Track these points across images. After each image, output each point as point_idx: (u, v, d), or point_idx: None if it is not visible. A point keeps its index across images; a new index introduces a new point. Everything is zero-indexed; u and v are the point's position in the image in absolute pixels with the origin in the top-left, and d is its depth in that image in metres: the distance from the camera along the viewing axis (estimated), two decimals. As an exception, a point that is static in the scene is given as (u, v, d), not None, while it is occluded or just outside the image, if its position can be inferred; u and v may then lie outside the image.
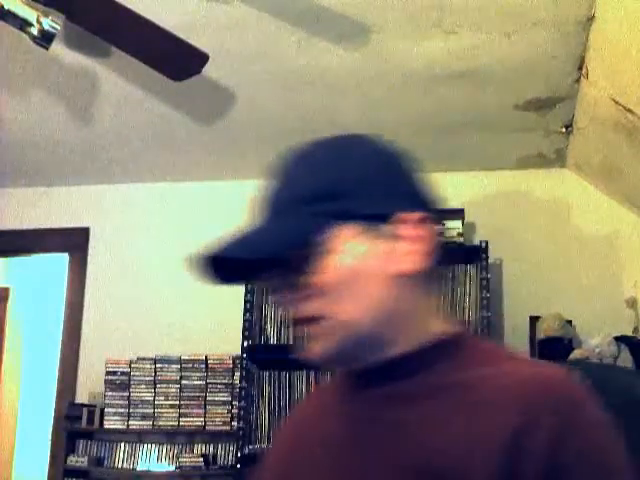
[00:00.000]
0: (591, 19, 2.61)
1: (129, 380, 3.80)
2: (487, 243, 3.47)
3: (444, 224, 3.56)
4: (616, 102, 2.91)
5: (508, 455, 0.80)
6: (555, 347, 3.35)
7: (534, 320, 3.51)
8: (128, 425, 3.75)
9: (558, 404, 0.82)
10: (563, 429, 0.80)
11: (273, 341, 3.56)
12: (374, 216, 0.92)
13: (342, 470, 0.91)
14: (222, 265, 0.91)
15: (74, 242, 4.20)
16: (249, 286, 3.57)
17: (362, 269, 0.91)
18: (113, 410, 3.77)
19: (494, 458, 0.80)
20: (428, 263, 0.95)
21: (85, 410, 3.80)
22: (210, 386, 3.74)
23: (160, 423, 3.73)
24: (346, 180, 0.93)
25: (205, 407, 3.72)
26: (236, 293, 3.62)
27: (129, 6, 2.36)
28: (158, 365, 3.79)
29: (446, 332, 0.96)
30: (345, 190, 0.92)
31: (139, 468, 3.70)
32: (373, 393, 0.93)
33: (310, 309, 0.91)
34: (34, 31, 2.27)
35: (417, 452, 0.86)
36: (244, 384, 3.50)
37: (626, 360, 3.19)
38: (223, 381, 3.74)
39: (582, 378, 0.91)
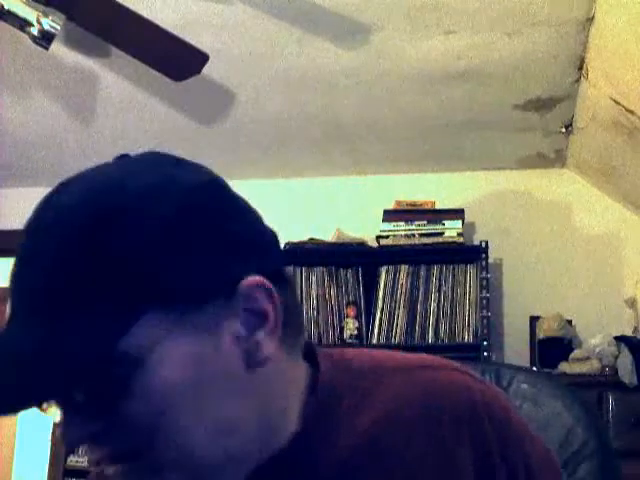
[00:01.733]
0: (591, 19, 2.61)
1: (129, 380, 3.79)
2: (487, 243, 3.47)
3: (444, 224, 3.56)
4: (616, 102, 2.91)
5: None
6: (555, 347, 3.35)
7: (534, 320, 3.51)
8: (128, 425, 3.74)
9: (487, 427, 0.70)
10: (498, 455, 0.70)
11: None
12: (191, 294, 0.62)
13: None
14: None
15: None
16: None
17: (202, 375, 0.63)
18: (113, 410, 3.77)
19: None
20: (288, 331, 0.69)
21: (85, 410, 3.79)
22: (210, 386, 3.73)
23: None
24: (135, 250, 0.61)
25: (205, 407, 3.71)
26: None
27: (129, 6, 2.36)
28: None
29: (308, 385, 0.72)
30: (143, 266, 0.61)
31: (139, 468, 3.70)
32: None
33: (116, 446, 0.64)
34: (34, 31, 2.27)
35: None
36: (244, 384, 3.50)
37: (626, 360, 3.19)
38: (223, 381, 3.73)
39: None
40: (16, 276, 0.64)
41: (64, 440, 0.64)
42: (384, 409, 0.70)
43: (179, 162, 0.72)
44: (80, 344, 0.58)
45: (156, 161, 0.71)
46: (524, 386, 1.02)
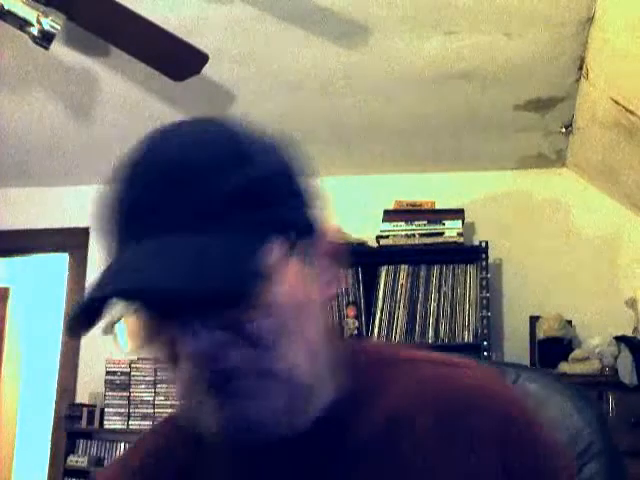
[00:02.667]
0: (591, 19, 2.61)
1: (129, 380, 3.79)
2: (487, 243, 3.47)
3: (444, 224, 3.56)
4: (616, 102, 2.91)
5: None
6: (555, 347, 3.35)
7: (534, 320, 3.51)
8: (128, 425, 3.75)
9: (515, 432, 0.74)
10: (521, 459, 0.74)
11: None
12: (304, 228, 0.71)
13: None
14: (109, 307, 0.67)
15: (74, 242, 4.20)
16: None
17: (305, 298, 0.71)
18: (113, 410, 3.77)
19: None
20: (340, 282, 0.78)
21: (85, 410, 3.80)
22: (210, 386, 3.74)
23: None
24: (260, 182, 0.69)
25: (205, 407, 3.71)
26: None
27: (129, 6, 2.36)
28: (158, 365, 3.79)
29: (347, 361, 0.78)
30: (266, 196, 0.69)
31: (139, 468, 3.70)
32: (299, 466, 0.73)
33: (243, 358, 0.67)
34: (34, 31, 2.27)
35: None
36: (244, 384, 3.50)
37: (626, 360, 3.19)
38: (223, 381, 3.73)
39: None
40: (166, 195, 0.68)
41: (198, 349, 0.66)
42: (415, 395, 0.75)
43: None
44: (226, 256, 0.64)
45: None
46: (532, 385, 1.03)
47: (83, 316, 0.67)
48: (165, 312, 0.67)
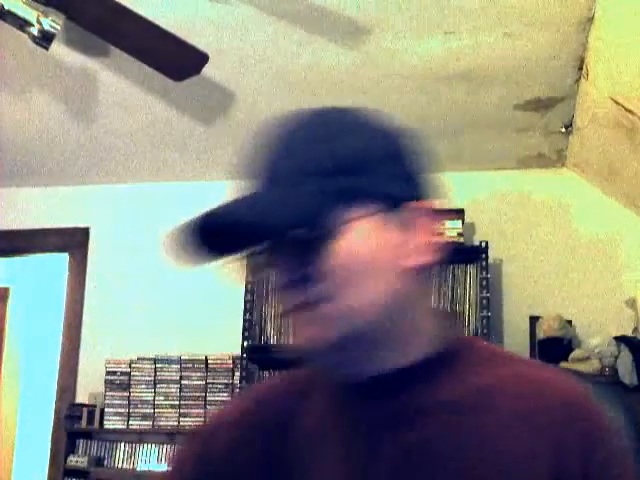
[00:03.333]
0: (591, 19, 2.61)
1: (129, 380, 3.80)
2: (487, 243, 3.47)
3: (444, 224, 3.56)
4: (616, 102, 2.91)
5: (554, 472, 0.79)
6: (555, 347, 3.35)
7: (534, 320, 3.51)
8: (128, 425, 3.75)
9: (584, 414, 0.82)
10: (591, 440, 0.81)
11: (273, 341, 3.56)
12: (390, 199, 0.83)
13: None
14: (209, 238, 0.82)
15: (74, 242, 4.20)
16: (249, 286, 3.57)
17: (374, 257, 0.82)
18: (113, 410, 3.78)
19: (541, 475, 0.79)
20: (436, 259, 0.86)
21: (85, 410, 3.80)
22: (210, 386, 3.74)
23: (160, 423, 3.74)
24: (358, 155, 0.83)
25: (205, 407, 3.72)
26: (236, 293, 3.62)
27: (129, 6, 2.36)
28: (158, 365, 3.80)
29: (450, 336, 0.89)
30: (358, 166, 0.82)
31: (139, 468, 3.70)
32: (383, 405, 0.84)
33: (312, 292, 0.81)
34: (34, 31, 2.27)
35: (449, 473, 0.81)
36: (244, 384, 3.50)
37: (626, 360, 3.19)
38: (223, 381, 3.74)
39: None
40: (281, 159, 0.85)
41: (280, 281, 0.83)
42: (508, 380, 0.85)
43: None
44: (308, 206, 0.80)
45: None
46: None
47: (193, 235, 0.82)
48: (255, 246, 0.84)
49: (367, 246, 0.82)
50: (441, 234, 0.89)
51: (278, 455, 0.88)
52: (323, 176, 0.81)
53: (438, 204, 0.89)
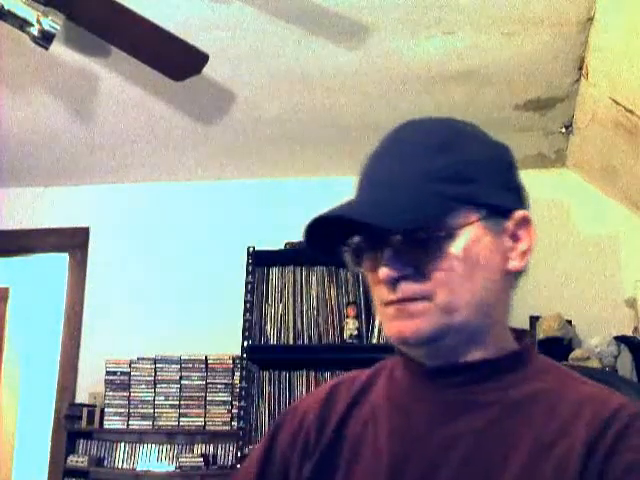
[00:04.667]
0: (591, 19, 2.61)
1: (129, 380, 3.80)
2: (487, 243, 3.47)
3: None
4: (616, 102, 2.91)
5: (582, 470, 0.81)
6: (555, 347, 3.35)
7: (534, 320, 3.51)
8: (128, 425, 3.75)
9: (621, 420, 0.84)
10: (619, 444, 0.82)
11: (273, 341, 3.56)
12: (500, 208, 0.91)
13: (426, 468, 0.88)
14: (333, 232, 0.91)
15: (74, 242, 4.20)
16: (249, 286, 3.57)
17: (479, 260, 0.89)
18: (113, 410, 3.77)
19: (573, 475, 0.81)
20: (527, 265, 0.95)
21: (85, 410, 3.80)
22: (210, 386, 3.74)
23: (160, 423, 3.74)
24: (472, 165, 0.91)
25: (205, 407, 3.72)
26: (236, 293, 3.62)
27: (129, 6, 2.36)
28: (158, 365, 3.79)
29: (521, 340, 0.99)
30: (472, 175, 0.90)
31: (139, 468, 3.70)
32: (452, 396, 0.91)
33: (417, 288, 0.88)
34: (34, 31, 2.27)
35: (496, 466, 0.85)
36: (244, 384, 3.50)
37: (626, 360, 3.19)
38: (223, 381, 3.74)
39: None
40: (394, 166, 0.91)
41: (385, 274, 0.89)
42: (571, 387, 0.90)
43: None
44: (422, 210, 0.86)
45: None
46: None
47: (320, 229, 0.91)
48: (371, 242, 0.91)
49: (475, 250, 0.89)
50: (534, 241, 0.95)
51: (335, 447, 0.95)
52: (443, 182, 0.88)
53: (531, 215, 0.96)
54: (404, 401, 0.94)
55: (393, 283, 0.89)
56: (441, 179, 0.88)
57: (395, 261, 0.88)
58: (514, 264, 0.93)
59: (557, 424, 0.85)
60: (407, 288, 0.88)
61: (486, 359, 0.92)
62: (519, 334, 1.03)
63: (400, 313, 0.89)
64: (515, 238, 0.93)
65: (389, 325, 0.91)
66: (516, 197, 0.95)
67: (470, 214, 0.88)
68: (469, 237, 0.89)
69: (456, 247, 0.88)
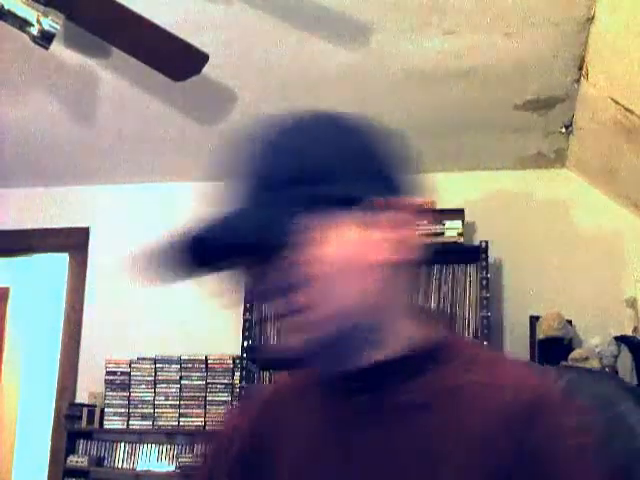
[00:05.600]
0: (591, 19, 2.61)
1: (129, 380, 3.80)
2: (487, 243, 3.47)
3: (444, 224, 3.56)
4: (616, 102, 2.91)
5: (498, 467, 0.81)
6: (555, 347, 3.35)
7: (534, 320, 3.51)
8: (128, 425, 3.75)
9: (541, 414, 0.83)
10: (542, 438, 0.81)
11: (273, 341, 3.56)
12: (353, 199, 0.86)
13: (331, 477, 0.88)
14: (189, 254, 0.86)
15: (74, 242, 4.20)
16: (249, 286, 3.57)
17: (350, 260, 0.85)
18: (113, 410, 3.78)
19: (490, 471, 0.81)
20: (410, 254, 0.89)
21: (85, 410, 3.80)
22: (210, 386, 3.74)
23: (160, 423, 3.74)
24: (324, 162, 0.86)
25: (205, 407, 3.72)
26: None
27: (129, 6, 2.36)
28: (158, 365, 3.79)
29: (430, 335, 0.91)
30: (322, 173, 0.85)
31: (139, 468, 3.70)
32: (360, 401, 0.88)
33: (294, 301, 0.85)
34: (34, 31, 2.27)
35: (410, 464, 0.84)
36: (244, 384, 3.50)
37: (626, 360, 3.19)
38: (223, 381, 3.74)
39: (568, 383, 0.92)
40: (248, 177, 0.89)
41: (260, 294, 0.89)
42: (476, 382, 0.87)
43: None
44: (278, 220, 0.83)
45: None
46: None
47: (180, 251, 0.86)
48: (239, 261, 0.88)
49: (337, 249, 0.85)
50: (413, 230, 0.90)
51: (267, 459, 0.94)
52: (288, 187, 0.84)
53: (414, 202, 0.91)
54: (316, 410, 0.93)
55: (270, 298, 0.88)
56: (288, 184, 0.84)
57: (264, 276, 0.86)
58: (390, 255, 0.87)
59: (481, 419, 0.83)
60: (286, 302, 0.86)
61: (395, 356, 0.88)
62: (439, 325, 0.96)
63: (289, 326, 0.88)
64: (386, 228, 0.87)
65: (284, 339, 0.90)
66: (378, 185, 0.88)
67: (322, 215, 0.84)
68: (335, 238, 0.85)
69: (323, 251, 0.84)
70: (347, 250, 0.86)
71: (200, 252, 0.85)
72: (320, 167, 0.86)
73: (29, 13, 2.26)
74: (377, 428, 0.87)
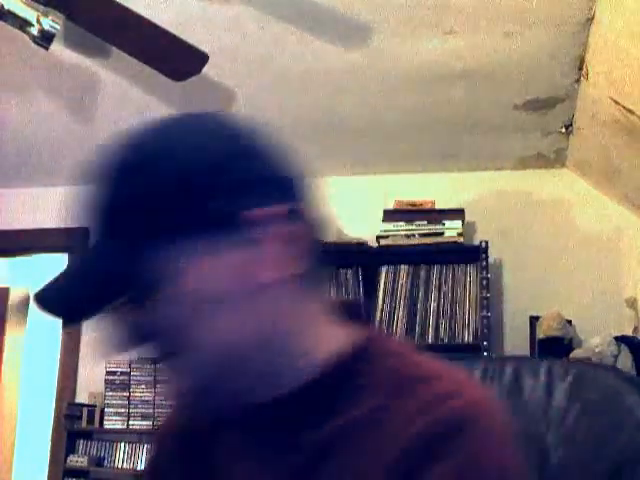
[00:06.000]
0: (591, 19, 2.61)
1: (129, 380, 3.80)
2: (487, 243, 3.47)
3: (444, 224, 3.56)
4: (616, 102, 2.91)
5: None
6: (555, 347, 3.35)
7: (534, 320, 3.51)
8: (128, 425, 3.75)
9: (453, 444, 0.71)
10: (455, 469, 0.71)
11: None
12: (217, 220, 0.73)
13: None
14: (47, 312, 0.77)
15: (74, 242, 4.19)
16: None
17: (216, 292, 0.73)
18: (113, 410, 3.78)
19: None
20: (302, 266, 0.76)
21: (85, 410, 3.80)
22: (210, 386, 3.74)
23: (160, 423, 3.73)
24: (180, 177, 0.73)
25: (205, 407, 3.72)
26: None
27: (129, 6, 2.36)
28: (158, 365, 3.79)
29: (344, 347, 0.79)
30: (182, 190, 0.73)
31: (139, 468, 3.70)
32: (258, 444, 0.78)
33: (158, 349, 0.76)
34: (34, 31, 2.27)
35: None
36: (244, 384, 3.50)
37: (626, 360, 3.19)
38: (223, 381, 3.74)
39: (575, 377, 0.89)
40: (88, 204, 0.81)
41: (117, 345, 0.78)
42: (378, 405, 0.76)
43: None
44: (117, 262, 0.73)
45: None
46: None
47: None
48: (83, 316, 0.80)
49: (206, 283, 0.73)
50: (303, 237, 0.77)
51: None
52: (134, 216, 0.73)
53: (294, 205, 0.77)
54: (208, 442, 0.84)
55: (138, 346, 0.77)
56: (140, 211, 0.73)
57: (127, 326, 0.76)
58: (267, 275, 0.74)
59: (391, 451, 0.72)
60: (154, 349, 0.77)
61: (296, 389, 0.76)
62: (361, 326, 0.83)
63: (164, 372, 0.79)
64: (252, 245, 0.74)
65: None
66: (259, 194, 0.75)
67: (184, 243, 0.72)
68: (195, 272, 0.73)
69: (182, 290, 0.73)
70: (214, 283, 0.73)
71: (52, 310, 0.77)
72: (182, 182, 0.73)
73: (29, 13, 2.26)
74: (259, 471, 0.77)
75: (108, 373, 3.82)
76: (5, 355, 5.14)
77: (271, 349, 0.76)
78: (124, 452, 3.76)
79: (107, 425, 3.76)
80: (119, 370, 3.81)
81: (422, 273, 3.52)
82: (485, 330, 3.34)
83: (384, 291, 3.52)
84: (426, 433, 0.71)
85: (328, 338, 0.80)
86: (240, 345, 0.75)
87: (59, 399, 4.01)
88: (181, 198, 0.73)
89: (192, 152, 0.76)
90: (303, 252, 0.76)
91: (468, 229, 3.68)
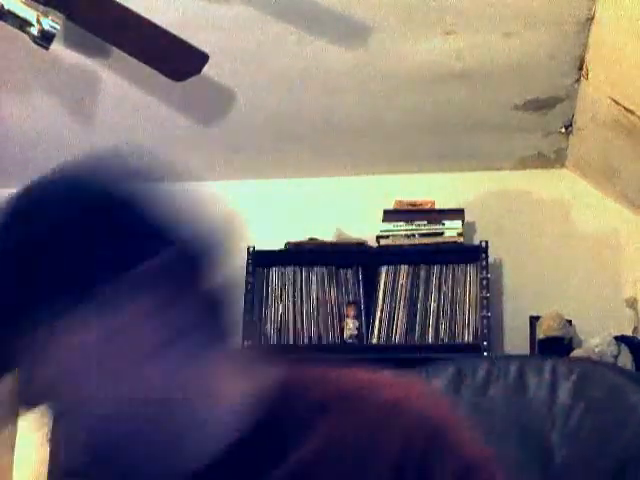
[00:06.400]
0: (591, 19, 2.61)
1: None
2: (487, 243, 3.47)
3: (444, 224, 3.56)
4: (616, 102, 2.91)
5: None
6: (555, 347, 3.35)
7: (534, 320, 3.51)
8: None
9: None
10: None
11: (273, 341, 3.55)
12: (80, 294, 0.69)
13: None
14: None
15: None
16: (249, 286, 3.57)
17: (106, 353, 0.69)
18: (113, 410, 3.77)
19: None
20: (188, 321, 0.71)
21: (85, 410, 3.79)
22: (210, 386, 3.73)
23: None
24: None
25: (205, 407, 3.71)
26: (236, 293, 3.62)
27: (129, 6, 2.36)
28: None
29: (261, 394, 0.74)
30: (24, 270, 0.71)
31: None
32: None
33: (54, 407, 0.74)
34: (34, 31, 2.27)
35: None
36: (244, 384, 3.50)
37: (626, 360, 3.19)
38: (223, 381, 3.73)
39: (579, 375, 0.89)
40: None
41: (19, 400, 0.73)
42: (320, 444, 0.71)
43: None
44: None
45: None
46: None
47: None
48: None
49: (71, 351, 0.68)
50: (177, 293, 0.72)
51: None
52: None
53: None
54: None
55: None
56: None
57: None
58: (147, 340, 0.71)
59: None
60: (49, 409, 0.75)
61: (198, 469, 0.71)
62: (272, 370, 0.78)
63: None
64: (131, 310, 0.71)
65: None
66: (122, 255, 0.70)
67: (55, 320, 0.68)
68: (60, 346, 0.70)
69: (48, 362, 0.70)
70: (89, 358, 0.68)
71: None
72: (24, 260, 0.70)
73: (29, 13, 2.26)
74: None
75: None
76: None
77: (170, 417, 0.69)
78: (124, 452, 3.76)
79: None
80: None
81: (422, 273, 3.52)
82: (485, 330, 3.34)
83: (384, 291, 3.52)
84: (406, 448, 0.69)
85: (242, 382, 0.75)
86: (129, 420, 0.68)
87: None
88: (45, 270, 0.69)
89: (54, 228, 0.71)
90: (186, 306, 0.70)
91: (468, 229, 3.68)
